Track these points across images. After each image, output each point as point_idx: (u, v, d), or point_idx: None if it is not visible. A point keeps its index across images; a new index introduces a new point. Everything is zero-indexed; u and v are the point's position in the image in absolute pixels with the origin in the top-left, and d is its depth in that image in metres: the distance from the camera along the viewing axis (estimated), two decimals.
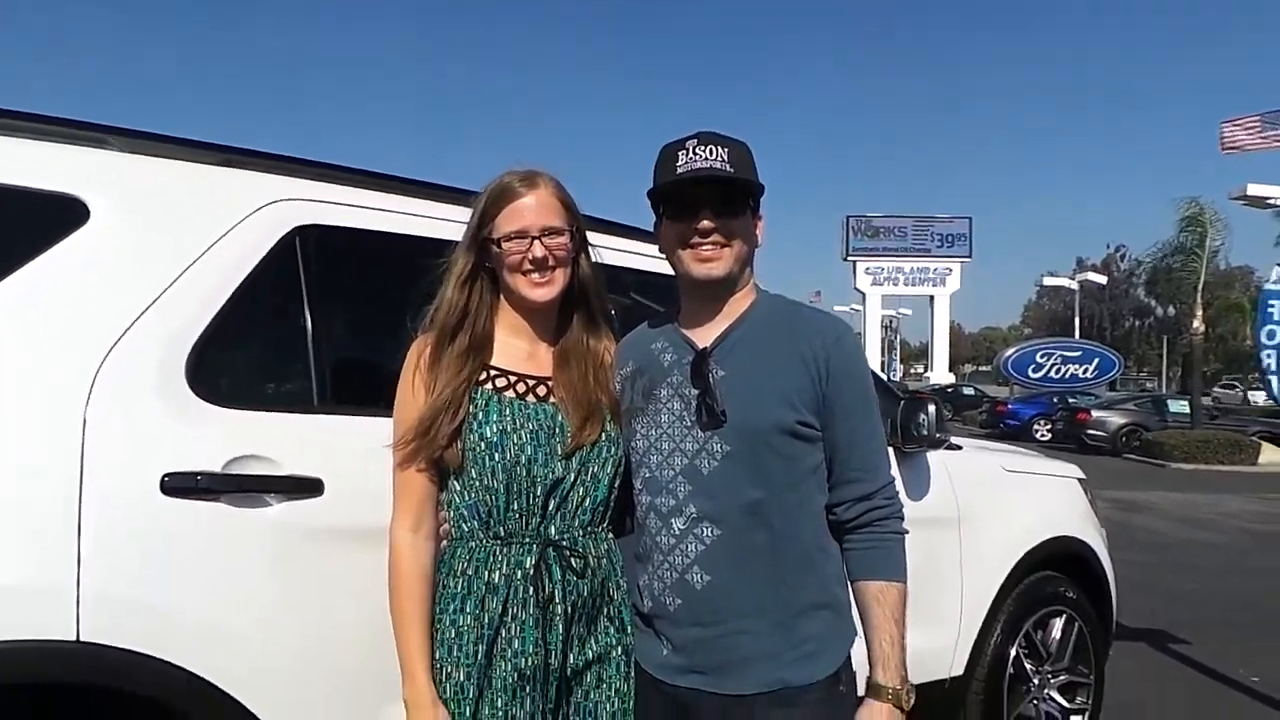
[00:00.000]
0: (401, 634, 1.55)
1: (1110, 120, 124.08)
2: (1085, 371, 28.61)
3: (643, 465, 1.61)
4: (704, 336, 1.61)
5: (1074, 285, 43.24)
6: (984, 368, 68.41)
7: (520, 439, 1.58)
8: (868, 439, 1.59)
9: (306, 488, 1.77)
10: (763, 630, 1.52)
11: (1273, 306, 22.44)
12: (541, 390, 1.65)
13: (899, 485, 1.67)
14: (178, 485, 1.64)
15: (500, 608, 1.54)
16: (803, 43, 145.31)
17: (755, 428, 1.51)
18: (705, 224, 1.55)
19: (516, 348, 1.68)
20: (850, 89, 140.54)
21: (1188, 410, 21.91)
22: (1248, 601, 6.89)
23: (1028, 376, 28.36)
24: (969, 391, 38.23)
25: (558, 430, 1.61)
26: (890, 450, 1.84)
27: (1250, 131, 23.59)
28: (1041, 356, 28.48)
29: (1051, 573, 3.45)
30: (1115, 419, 22.57)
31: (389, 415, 1.97)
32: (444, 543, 1.64)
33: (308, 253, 1.96)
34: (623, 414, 1.67)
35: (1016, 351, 28.86)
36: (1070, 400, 25.07)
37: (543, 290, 1.64)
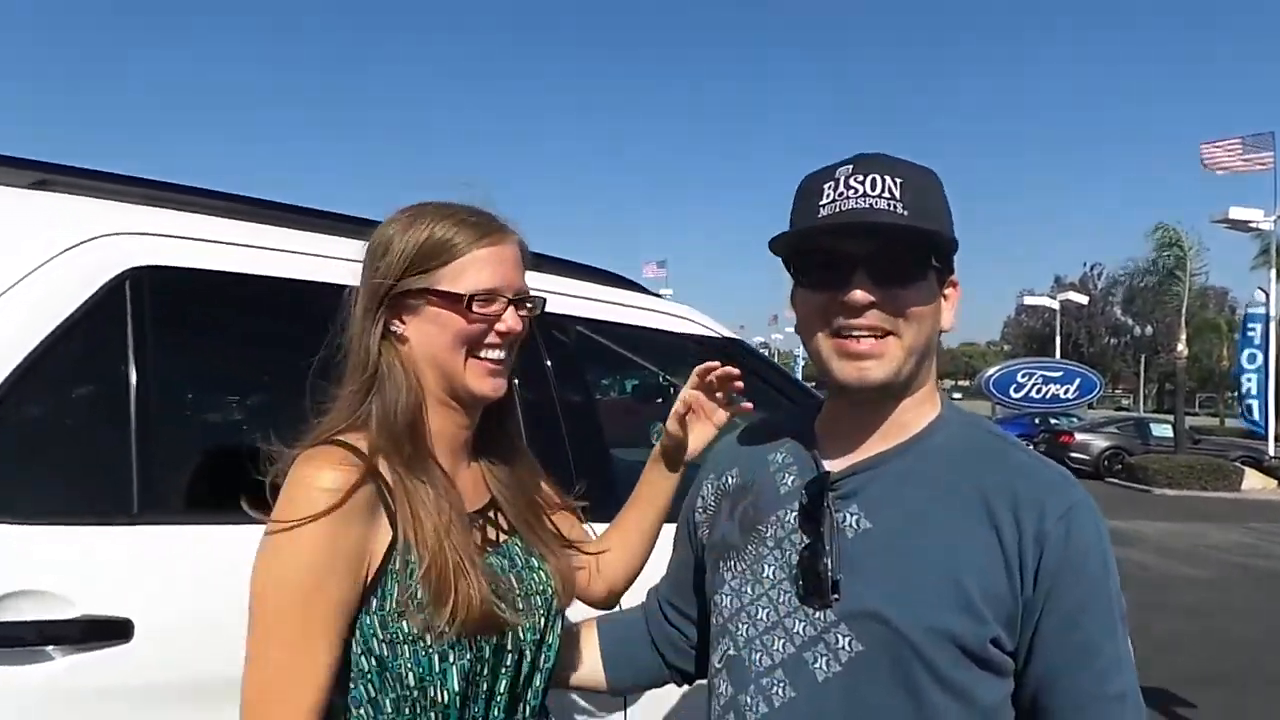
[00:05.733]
0: None
1: (1088, 136, 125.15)
2: (1066, 392, 28.36)
3: (726, 634, 1.10)
4: (844, 458, 1.09)
5: (1055, 304, 43.23)
6: (963, 382, 68.48)
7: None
8: (1102, 688, 0.99)
9: (107, 633, 1.30)
10: None
11: (1253, 330, 22.50)
12: (491, 530, 1.18)
13: None
14: None
15: None
16: (781, 45, 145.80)
17: (905, 629, 0.96)
18: (858, 296, 1.00)
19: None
20: (823, 96, 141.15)
21: (1170, 433, 21.75)
22: (1246, 650, 6.52)
23: (1009, 396, 28.08)
24: None
25: (530, 579, 1.17)
26: None
27: (1231, 153, 23.63)
28: (1023, 376, 28.19)
29: None
30: (1098, 441, 22.36)
31: (241, 522, 1.52)
32: None
33: (142, 303, 1.50)
34: (707, 547, 1.20)
35: (998, 371, 28.51)
36: (1052, 421, 24.88)
37: (497, 381, 1.14)
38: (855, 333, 1.01)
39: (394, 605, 1.02)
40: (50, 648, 1.26)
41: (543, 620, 1.14)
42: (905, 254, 1.01)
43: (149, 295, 1.50)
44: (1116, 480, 20.27)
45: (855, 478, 1.05)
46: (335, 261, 1.71)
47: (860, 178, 1.01)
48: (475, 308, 1.10)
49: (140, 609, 1.32)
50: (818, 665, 1.00)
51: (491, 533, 1.17)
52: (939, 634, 0.95)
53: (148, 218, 1.56)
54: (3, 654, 1.23)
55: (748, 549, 1.10)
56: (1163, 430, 23.08)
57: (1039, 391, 29.34)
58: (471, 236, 1.12)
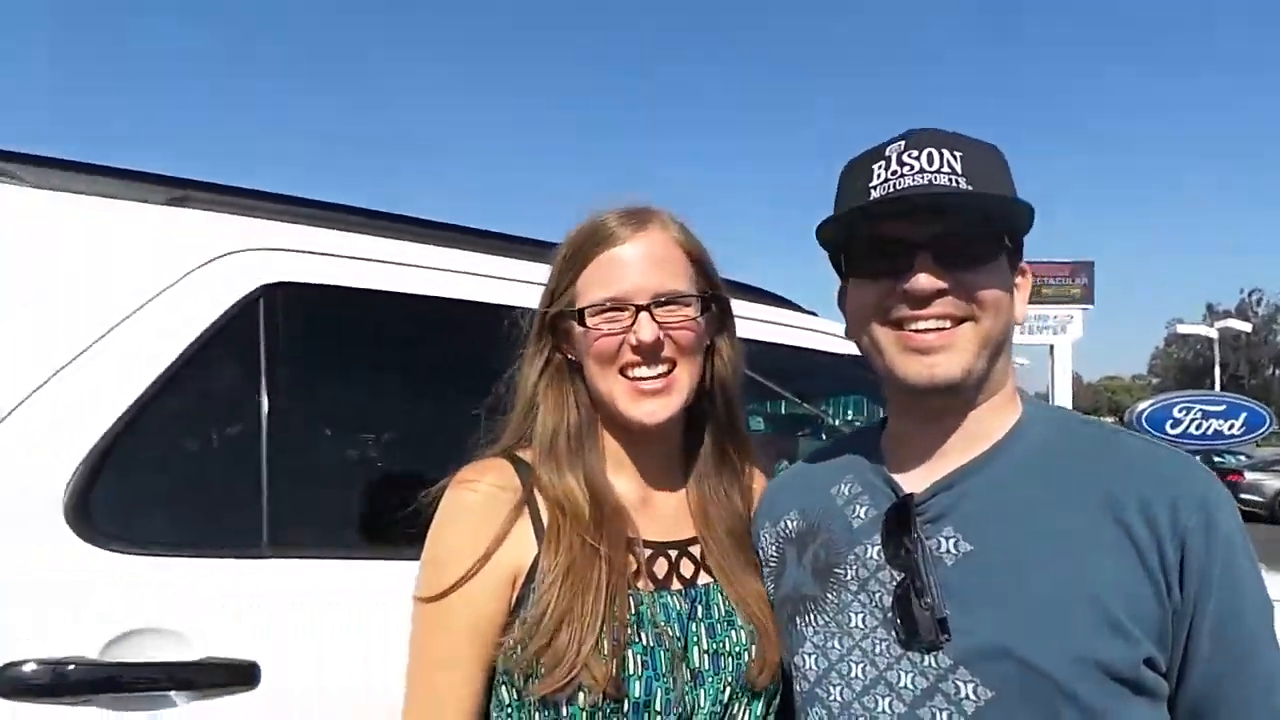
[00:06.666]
0: None
1: (1236, 157, 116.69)
2: (1231, 427, 26.15)
3: (815, 702, 0.94)
4: (923, 476, 0.95)
5: (1213, 333, 40.18)
6: (1107, 419, 64.56)
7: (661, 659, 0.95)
8: (1269, 700, 0.85)
9: (232, 679, 1.18)
10: None
11: None
12: (687, 565, 1.03)
13: None
14: (28, 682, 1.08)
15: None
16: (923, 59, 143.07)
17: (1044, 664, 0.82)
18: (922, 282, 0.88)
19: (623, 493, 1.05)
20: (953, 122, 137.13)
21: None
22: None
23: (1165, 433, 26.06)
24: None
25: (725, 637, 1.00)
26: None
27: None
28: (1180, 411, 26.18)
29: None
30: (1273, 481, 20.55)
31: (375, 557, 1.39)
32: None
33: (275, 323, 1.41)
34: (775, 604, 1.04)
35: (1151, 405, 26.72)
36: (1216, 459, 22.99)
37: (651, 405, 1.00)
38: (920, 325, 0.89)
39: (527, 631, 0.92)
40: (174, 691, 1.16)
41: (727, 690, 0.96)
42: (975, 233, 0.90)
43: (283, 312, 1.42)
44: None
45: (942, 496, 0.91)
46: (485, 280, 1.62)
47: (914, 153, 0.90)
48: (592, 323, 0.99)
49: (269, 653, 1.20)
50: None
51: (687, 568, 1.02)
52: (1087, 664, 0.81)
53: (279, 232, 1.49)
54: (126, 697, 1.13)
55: (827, 598, 0.96)
56: None
57: (1199, 427, 27.13)
58: (590, 243, 1.02)
